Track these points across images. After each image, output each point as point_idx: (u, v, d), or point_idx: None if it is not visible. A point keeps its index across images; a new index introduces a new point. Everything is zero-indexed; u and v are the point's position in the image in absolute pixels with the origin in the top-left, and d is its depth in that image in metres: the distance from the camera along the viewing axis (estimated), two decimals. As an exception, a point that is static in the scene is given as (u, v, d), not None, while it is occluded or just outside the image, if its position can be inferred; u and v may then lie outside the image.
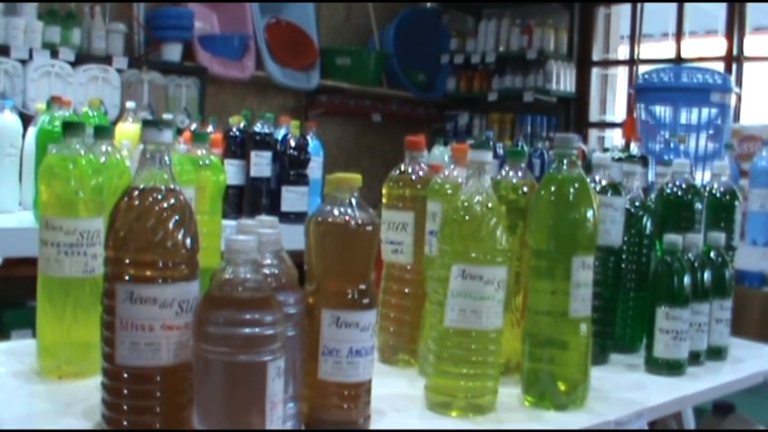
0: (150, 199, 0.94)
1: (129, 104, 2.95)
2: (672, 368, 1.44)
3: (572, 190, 1.21)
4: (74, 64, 4.12)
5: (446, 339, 1.17)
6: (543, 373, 1.22)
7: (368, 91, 5.43)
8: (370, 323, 1.05)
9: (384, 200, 1.43)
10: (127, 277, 0.92)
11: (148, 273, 0.92)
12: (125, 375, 0.93)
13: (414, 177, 1.41)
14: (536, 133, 5.19)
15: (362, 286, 1.05)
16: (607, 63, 5.84)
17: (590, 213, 1.21)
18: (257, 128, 2.85)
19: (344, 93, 5.40)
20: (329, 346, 1.03)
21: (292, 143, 2.88)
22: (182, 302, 0.93)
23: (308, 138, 3.03)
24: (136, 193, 0.94)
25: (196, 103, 4.53)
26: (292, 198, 2.84)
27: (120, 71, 4.27)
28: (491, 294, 1.14)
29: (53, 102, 2.41)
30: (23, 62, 3.99)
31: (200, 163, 1.48)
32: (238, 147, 2.85)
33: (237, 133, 2.89)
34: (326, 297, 1.04)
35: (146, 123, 0.95)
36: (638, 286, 1.58)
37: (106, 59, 4.24)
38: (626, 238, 1.56)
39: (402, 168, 1.42)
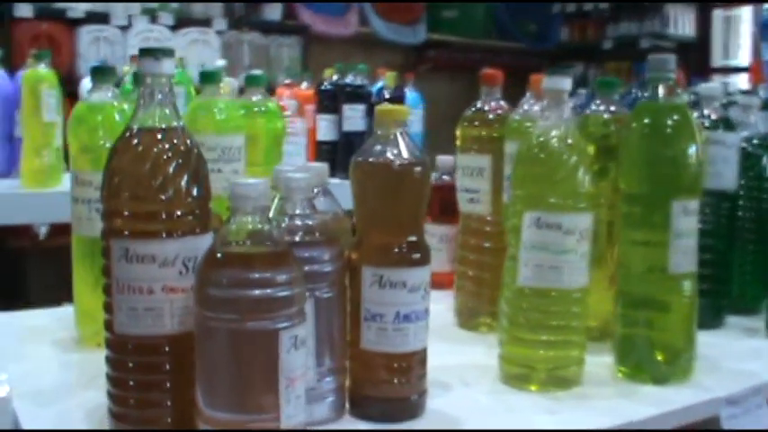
0: (147, 140, 0.79)
1: (220, 62, 2.86)
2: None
3: (669, 121, 1.00)
4: (173, 28, 4.08)
5: (521, 300, 0.99)
6: (639, 340, 1.02)
7: (477, 44, 5.20)
8: (422, 282, 0.88)
9: (458, 143, 1.26)
10: (121, 232, 0.79)
11: (145, 226, 0.78)
12: (127, 346, 0.80)
13: (490, 116, 1.22)
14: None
15: (412, 238, 0.88)
16: (730, 2, 5.38)
17: (692, 149, 1.00)
18: (349, 80, 2.70)
19: (452, 46, 5.18)
20: (372, 310, 0.87)
21: (386, 95, 2.71)
22: (187, 261, 0.78)
23: (406, 90, 2.86)
24: (131, 134, 0.80)
25: (298, 63, 4.42)
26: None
27: (219, 33, 4.20)
28: (572, 246, 0.95)
29: (131, 61, 2.33)
30: (123, 29, 3.98)
31: (255, 109, 1.34)
32: (331, 101, 2.71)
33: (330, 87, 2.74)
34: (368, 252, 0.88)
35: (142, 52, 0.81)
36: (759, 237, 1.35)
37: (205, 22, 4.18)
38: (743, 182, 1.33)
39: (477, 106, 1.24)
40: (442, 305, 1.27)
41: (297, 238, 0.84)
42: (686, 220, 0.99)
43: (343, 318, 0.88)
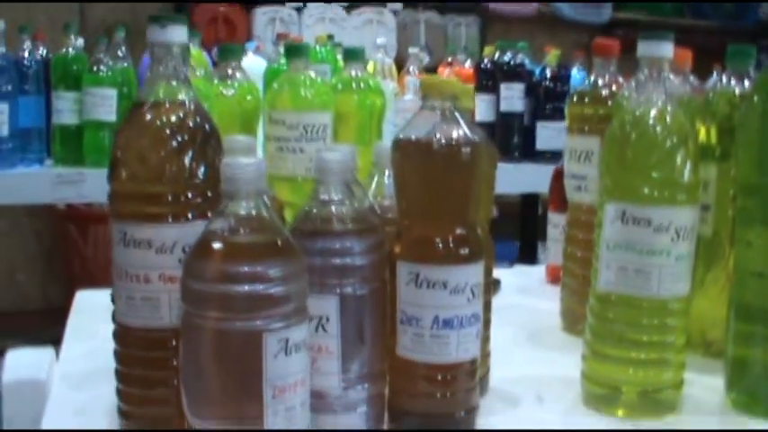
0: (148, 115, 0.72)
1: (380, 41, 2.79)
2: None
3: None
4: (348, 8, 4.06)
5: (606, 310, 0.83)
6: (754, 362, 0.84)
7: (667, 22, 4.82)
8: (469, 283, 0.75)
9: (567, 123, 1.11)
10: (119, 213, 0.72)
11: (141, 207, 0.70)
12: (128, 338, 0.74)
13: (603, 92, 1.06)
14: None
15: (459, 231, 0.76)
16: None
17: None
18: (507, 58, 2.55)
19: (641, 25, 4.84)
20: (408, 312, 0.75)
21: (548, 74, 2.54)
22: (188, 248, 0.70)
23: (574, 69, 2.68)
24: (134, 108, 0.73)
25: (477, 43, 4.28)
26: (547, 135, 2.51)
27: (394, 12, 4.14)
28: (664, 247, 0.79)
29: (278, 39, 2.30)
30: (299, 10, 4.00)
31: (353, 86, 1.25)
32: (489, 80, 2.58)
33: (489, 65, 2.61)
34: (406, 246, 0.76)
35: (149, 19, 0.73)
36: None
37: (380, 2, 4.13)
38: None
39: (590, 81, 1.09)
40: (555, 303, 1.13)
41: (314, 227, 0.73)
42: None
43: (380, 319, 0.77)
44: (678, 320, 0.82)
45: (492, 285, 0.89)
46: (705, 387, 0.89)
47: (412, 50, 2.71)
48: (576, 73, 2.70)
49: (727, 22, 5.00)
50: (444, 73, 2.65)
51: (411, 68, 2.60)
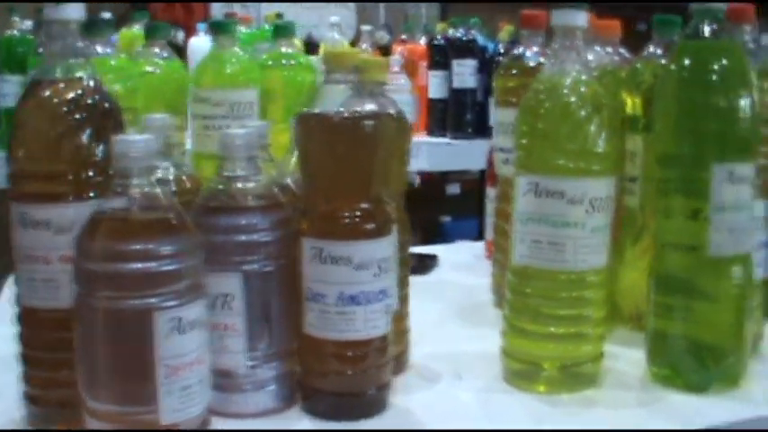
0: (45, 93, 0.70)
1: (333, 19, 2.76)
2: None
3: (713, 64, 0.80)
4: (308, -12, 4.02)
5: (522, 284, 0.83)
6: (673, 335, 0.83)
7: (629, -3, 4.83)
8: (375, 258, 0.74)
9: (494, 96, 1.09)
10: (18, 194, 0.70)
11: (39, 187, 0.68)
12: (29, 319, 0.72)
13: (530, 64, 1.05)
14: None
15: (364, 206, 0.74)
16: None
17: (743, 101, 0.79)
18: (458, 33, 2.53)
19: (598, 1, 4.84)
20: (313, 289, 0.74)
21: (501, 49, 2.53)
22: (86, 227, 0.68)
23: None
24: (32, 87, 0.71)
25: (437, 23, 4.26)
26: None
27: (355, -8, 4.11)
28: (579, 219, 0.78)
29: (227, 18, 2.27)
30: (258, -11, 3.96)
31: (283, 62, 1.23)
32: (442, 56, 2.56)
33: (441, 42, 2.59)
34: (310, 222, 0.74)
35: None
36: None
37: (341, -19, 4.09)
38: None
39: (517, 52, 1.07)
40: (490, 279, 1.12)
41: (218, 203, 0.72)
42: (733, 188, 0.79)
43: (286, 296, 0.75)
44: (595, 293, 0.82)
45: (410, 260, 0.88)
46: (630, 361, 0.88)
47: (365, 28, 2.69)
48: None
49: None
50: (397, 50, 2.63)
51: (364, 47, 2.58)
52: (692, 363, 0.82)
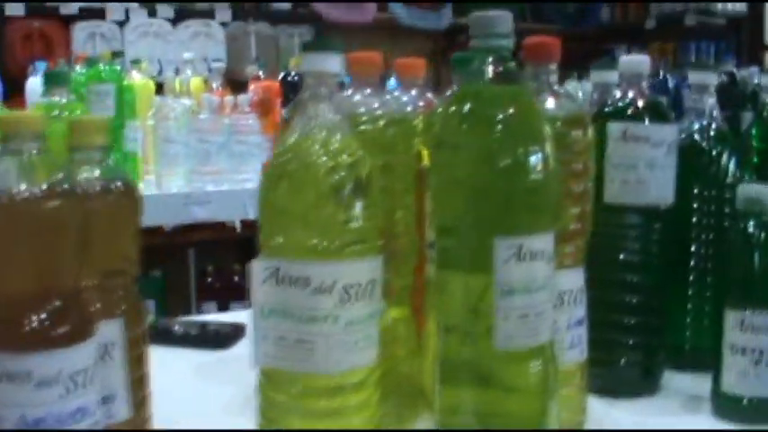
0: None
1: (187, 55, 2.60)
2: (752, 413, 0.84)
3: (495, 113, 0.65)
4: (173, 21, 3.83)
5: (271, 389, 0.67)
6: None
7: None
8: (64, 371, 0.56)
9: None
10: None
11: None
12: None
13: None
14: (702, 63, 4.31)
15: (51, 305, 0.57)
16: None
17: (533, 157, 0.65)
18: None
19: (484, 31, 4.80)
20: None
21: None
22: None
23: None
24: None
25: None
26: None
27: (224, 24, 3.93)
28: (329, 311, 0.63)
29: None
30: (120, 24, 3.75)
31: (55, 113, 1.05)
32: (294, 93, 2.41)
33: (295, 78, 2.44)
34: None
35: None
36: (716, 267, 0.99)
37: (208, 14, 3.91)
38: (696, 191, 0.98)
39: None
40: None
41: None
42: (522, 267, 0.64)
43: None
44: (363, 397, 0.66)
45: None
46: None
47: (216, 64, 2.53)
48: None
49: (569, 26, 5.01)
50: (251, 88, 2.48)
51: (214, 84, 2.41)
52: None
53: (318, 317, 0.62)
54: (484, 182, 0.64)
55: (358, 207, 0.63)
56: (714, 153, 0.98)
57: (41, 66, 2.33)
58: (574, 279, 0.76)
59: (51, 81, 1.03)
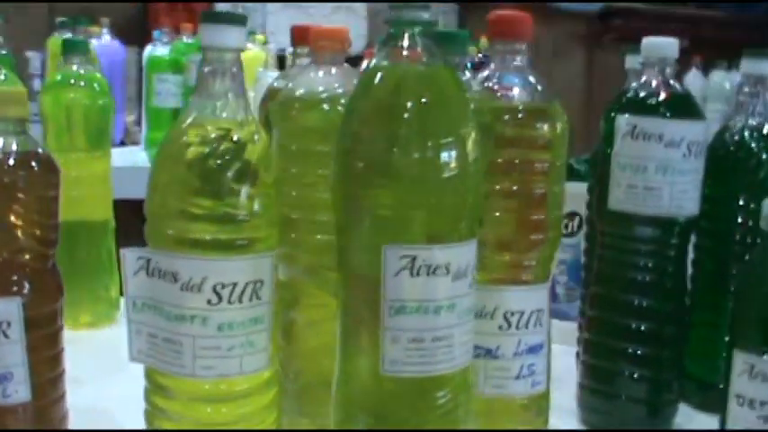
0: None
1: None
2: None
3: (398, 96, 0.56)
4: (316, -7, 3.84)
5: (153, 392, 0.61)
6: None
7: (669, 12, 4.50)
8: None
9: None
10: None
11: None
12: None
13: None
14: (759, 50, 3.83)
15: None
16: None
17: (440, 151, 0.54)
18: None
19: (641, 14, 4.53)
20: None
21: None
22: None
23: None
24: None
25: (453, 32, 4.02)
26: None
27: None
28: (198, 312, 0.56)
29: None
30: (265, -4, 3.80)
31: (71, 81, 1.04)
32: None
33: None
34: None
35: None
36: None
37: (351, -13, 3.90)
38: (741, 202, 0.84)
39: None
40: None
41: None
42: (416, 282, 0.55)
43: None
44: (243, 409, 0.59)
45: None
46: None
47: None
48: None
49: (738, 11, 4.65)
50: (364, 62, 2.42)
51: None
52: None
53: (186, 316, 0.56)
54: (378, 178, 0.55)
55: (241, 197, 0.56)
56: (764, 157, 0.84)
57: (159, 35, 2.37)
58: (527, 298, 0.65)
59: (69, 50, 1.01)
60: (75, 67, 1.02)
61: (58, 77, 1.03)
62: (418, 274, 0.54)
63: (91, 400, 0.77)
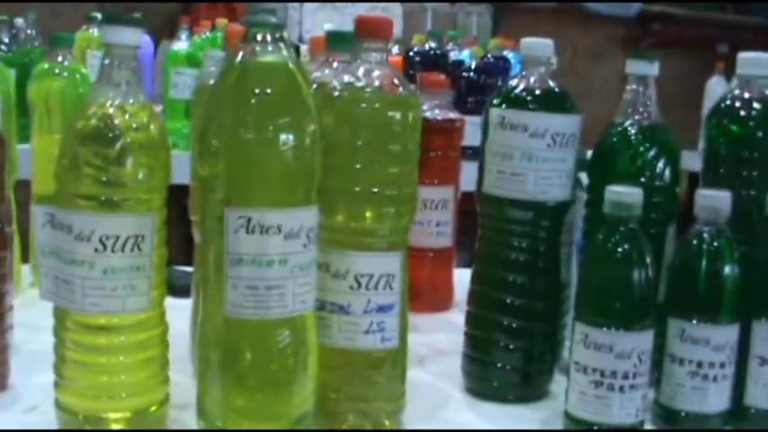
0: None
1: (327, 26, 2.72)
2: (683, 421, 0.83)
3: (244, 86, 0.69)
4: (353, -5, 3.97)
5: (59, 328, 0.75)
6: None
7: (706, 17, 4.51)
8: None
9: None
10: None
11: None
12: None
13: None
14: None
15: None
16: None
17: (283, 134, 0.68)
18: (427, 47, 2.43)
19: (679, 20, 4.54)
20: None
21: (473, 65, 2.41)
22: None
23: (508, 57, 2.53)
24: None
25: (488, 33, 4.12)
26: (467, 130, 2.38)
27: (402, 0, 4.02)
28: (87, 258, 0.70)
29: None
30: (302, -3, 3.94)
31: (55, 71, 1.19)
32: (413, 69, 2.46)
33: (414, 54, 2.49)
34: None
35: None
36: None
37: (387, -11, 4.02)
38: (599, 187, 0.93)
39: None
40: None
41: None
42: (251, 239, 0.67)
43: None
44: (133, 336, 0.73)
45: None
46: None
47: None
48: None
49: (780, 18, 4.63)
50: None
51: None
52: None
53: (77, 260, 0.70)
54: (225, 154, 0.68)
55: (125, 166, 0.70)
56: (641, 149, 0.92)
57: (185, 32, 2.52)
58: (377, 264, 0.77)
59: (56, 43, 1.16)
60: (59, 59, 1.17)
61: (45, 67, 1.18)
62: (253, 232, 0.67)
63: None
